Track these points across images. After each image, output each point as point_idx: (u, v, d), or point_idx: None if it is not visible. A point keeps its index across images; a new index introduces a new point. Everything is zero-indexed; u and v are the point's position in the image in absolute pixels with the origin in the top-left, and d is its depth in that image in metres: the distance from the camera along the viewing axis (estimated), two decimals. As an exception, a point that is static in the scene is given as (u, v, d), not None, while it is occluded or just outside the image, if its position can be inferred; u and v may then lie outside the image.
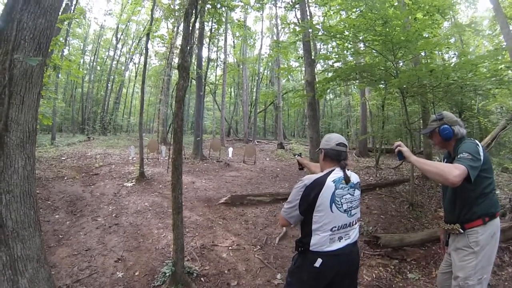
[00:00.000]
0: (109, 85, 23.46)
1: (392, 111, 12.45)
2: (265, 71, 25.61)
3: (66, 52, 18.83)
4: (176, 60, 14.99)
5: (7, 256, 1.56)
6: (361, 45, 6.26)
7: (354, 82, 7.18)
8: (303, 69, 12.23)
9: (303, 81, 16.05)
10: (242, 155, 10.52)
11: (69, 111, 22.02)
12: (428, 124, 1.94)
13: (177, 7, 9.90)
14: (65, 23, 10.30)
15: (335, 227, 1.41)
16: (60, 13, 2.31)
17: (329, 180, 1.42)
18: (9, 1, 1.71)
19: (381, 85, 6.48)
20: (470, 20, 15.93)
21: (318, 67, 14.04)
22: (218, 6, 8.07)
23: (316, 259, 1.38)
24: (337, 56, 7.01)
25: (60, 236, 3.67)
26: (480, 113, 9.93)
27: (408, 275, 2.88)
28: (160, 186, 6.19)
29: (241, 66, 21.80)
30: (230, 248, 3.48)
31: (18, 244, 1.62)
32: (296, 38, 9.27)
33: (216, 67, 24.43)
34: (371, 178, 7.27)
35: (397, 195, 5.52)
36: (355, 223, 1.51)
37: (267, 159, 11.49)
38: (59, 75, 15.90)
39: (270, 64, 22.53)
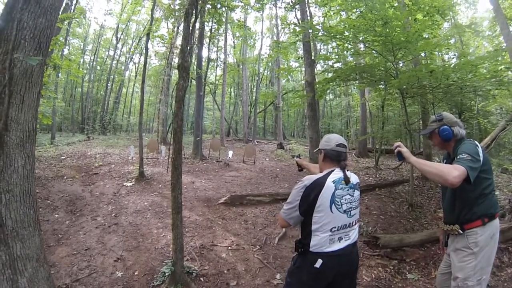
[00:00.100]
0: (109, 84, 23.44)
1: (392, 111, 12.49)
2: (265, 71, 25.62)
3: (66, 51, 18.84)
4: (176, 60, 14.99)
5: (7, 255, 1.56)
6: (361, 45, 6.27)
7: (354, 82, 7.19)
8: (303, 69, 12.23)
9: (303, 82, 16.04)
10: (242, 155, 10.52)
11: (69, 110, 22.01)
12: (427, 125, 1.94)
13: (177, 7, 9.89)
14: (65, 22, 10.30)
15: (335, 227, 1.41)
16: (60, 13, 2.31)
17: (329, 180, 1.42)
18: (9, 1, 1.71)
19: (381, 86, 6.49)
20: (470, 21, 15.97)
21: (318, 67, 14.05)
22: (218, 6, 8.08)
23: (316, 260, 1.38)
24: (337, 57, 7.01)
25: (60, 235, 3.67)
26: (480, 114, 9.94)
27: (408, 276, 2.88)
28: (160, 185, 6.19)
29: (241, 66, 21.80)
30: (229, 248, 3.48)
31: (18, 243, 1.62)
32: (296, 39, 9.27)
33: (216, 67, 24.45)
34: (370, 178, 7.28)
35: (396, 196, 5.52)
36: (355, 224, 1.51)
37: (267, 159, 11.49)
38: (59, 75, 15.90)
39: (270, 64, 22.54)
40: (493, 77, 4.63)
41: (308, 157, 7.33)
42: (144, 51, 11.28)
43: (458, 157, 1.53)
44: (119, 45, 24.15)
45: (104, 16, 41.21)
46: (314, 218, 1.40)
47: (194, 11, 3.08)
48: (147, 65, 12.36)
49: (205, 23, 11.73)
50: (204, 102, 19.21)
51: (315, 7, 10.54)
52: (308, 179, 1.44)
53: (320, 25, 7.15)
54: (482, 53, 12.12)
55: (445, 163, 1.78)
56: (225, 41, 18.43)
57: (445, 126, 1.74)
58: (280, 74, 19.21)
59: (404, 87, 4.96)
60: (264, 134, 29.20)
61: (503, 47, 7.89)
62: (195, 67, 11.91)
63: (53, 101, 13.10)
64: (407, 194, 5.33)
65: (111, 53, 24.41)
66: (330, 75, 7.05)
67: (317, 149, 1.63)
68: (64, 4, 6.84)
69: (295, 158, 2.43)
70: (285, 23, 13.66)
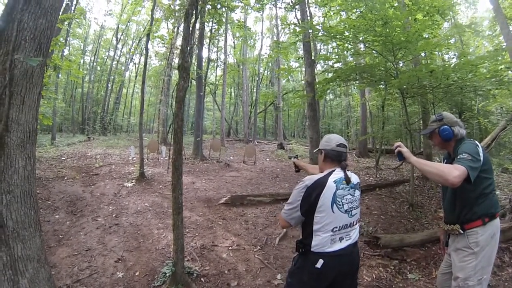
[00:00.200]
0: (109, 85, 23.47)
1: (392, 111, 12.47)
2: (265, 71, 25.61)
3: (66, 52, 18.84)
4: (176, 61, 14.99)
5: (8, 256, 1.56)
6: (361, 45, 6.27)
7: (354, 82, 7.19)
8: (303, 69, 12.25)
9: (303, 82, 16.06)
10: (242, 155, 10.52)
11: (69, 111, 22.03)
12: (428, 125, 1.94)
13: (177, 8, 9.91)
14: (65, 23, 10.31)
15: (336, 227, 1.41)
16: (60, 13, 2.32)
17: (330, 180, 1.42)
18: (9, 1, 1.71)
19: (381, 86, 6.49)
20: (470, 21, 15.97)
21: (318, 67, 14.04)
22: (218, 6, 8.09)
23: (318, 260, 1.37)
24: (337, 57, 7.01)
25: (60, 236, 3.67)
26: (480, 114, 9.93)
27: (408, 276, 2.88)
28: (160, 186, 6.19)
29: (241, 67, 21.81)
30: (230, 248, 3.48)
31: (19, 244, 1.62)
32: (296, 39, 9.27)
33: (216, 68, 24.47)
34: (371, 178, 7.28)
35: (397, 196, 5.52)
36: (356, 224, 1.51)
37: (267, 159, 11.49)
38: (59, 75, 15.93)
39: (270, 64, 22.53)
40: (493, 76, 4.62)
41: (309, 157, 7.32)
42: (144, 51, 11.30)
43: (458, 157, 1.53)
44: (119, 46, 24.19)
45: (104, 16, 41.27)
46: (315, 218, 1.40)
47: (194, 12, 3.08)
48: (147, 66, 12.36)
49: (205, 23, 11.74)
50: (204, 103, 19.21)
51: (315, 7, 10.54)
52: (309, 179, 1.44)
53: (320, 25, 7.15)
54: (482, 53, 12.11)
55: (446, 163, 1.78)
56: (225, 41, 18.43)
57: (446, 126, 1.74)
58: (280, 74, 19.20)
59: (404, 87, 4.96)
60: (264, 134, 29.20)
61: (503, 46, 7.89)
62: (195, 67, 11.91)
63: (54, 101, 13.13)
64: (408, 194, 5.32)
65: (111, 53, 24.45)
66: (330, 75, 7.05)
67: (318, 149, 1.63)
68: (64, 5, 6.86)
69: (292, 159, 2.34)
70: (285, 23, 13.64)
